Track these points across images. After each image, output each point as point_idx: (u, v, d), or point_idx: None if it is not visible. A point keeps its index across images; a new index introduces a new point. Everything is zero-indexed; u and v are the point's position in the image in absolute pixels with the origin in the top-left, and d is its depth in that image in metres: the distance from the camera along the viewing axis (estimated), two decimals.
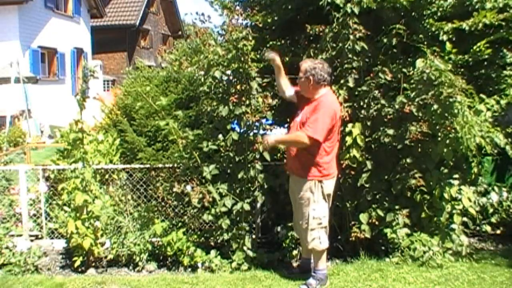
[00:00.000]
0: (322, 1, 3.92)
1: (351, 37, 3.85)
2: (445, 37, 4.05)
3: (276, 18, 4.34)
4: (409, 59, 4.10)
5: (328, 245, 3.72)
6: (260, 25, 4.45)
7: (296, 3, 4.30)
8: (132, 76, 5.55)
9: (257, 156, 4.00)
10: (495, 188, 4.75)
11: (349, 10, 3.82)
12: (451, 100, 3.66)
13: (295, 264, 4.18)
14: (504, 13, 4.01)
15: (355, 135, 3.94)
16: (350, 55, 3.92)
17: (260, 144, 3.92)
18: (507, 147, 4.04)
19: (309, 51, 4.14)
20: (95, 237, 4.08)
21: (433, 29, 4.09)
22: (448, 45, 3.97)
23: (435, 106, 3.73)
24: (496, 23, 4.00)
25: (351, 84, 3.95)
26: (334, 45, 3.96)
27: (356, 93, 4.02)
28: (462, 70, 4.10)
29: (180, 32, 27.68)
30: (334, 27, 3.90)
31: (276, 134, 3.72)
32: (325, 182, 3.62)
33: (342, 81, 4.00)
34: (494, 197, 4.65)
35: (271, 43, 4.47)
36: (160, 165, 4.56)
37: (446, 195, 3.90)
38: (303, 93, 3.71)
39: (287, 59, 4.24)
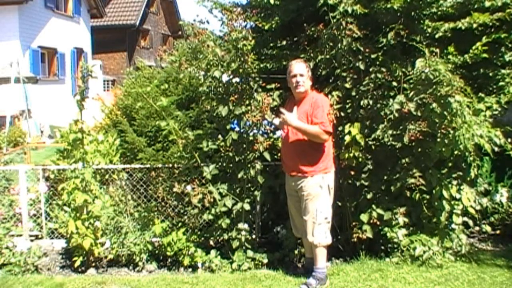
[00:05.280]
0: (320, 2, 3.92)
1: (347, 37, 3.85)
2: (440, 34, 4.06)
3: (278, 20, 4.34)
4: (407, 59, 4.09)
5: (331, 240, 3.76)
6: (261, 26, 4.45)
7: (297, 4, 4.30)
8: (132, 76, 5.55)
9: (257, 156, 4.01)
10: (495, 188, 4.76)
11: (341, 10, 3.82)
12: (449, 99, 3.66)
13: (296, 264, 4.19)
14: (498, 13, 4.02)
15: (354, 134, 3.95)
16: (346, 56, 3.92)
17: (260, 144, 3.92)
18: (508, 146, 4.04)
19: (308, 52, 4.14)
20: (95, 237, 4.09)
21: (429, 30, 4.10)
22: (450, 48, 3.99)
23: (434, 105, 3.74)
24: (491, 23, 4.03)
25: (348, 85, 3.96)
26: (332, 44, 3.96)
27: (354, 93, 4.02)
28: (462, 70, 4.10)
29: (180, 32, 27.69)
30: (330, 27, 3.91)
31: (298, 120, 3.68)
32: (329, 175, 3.75)
33: (339, 82, 4.01)
34: (493, 197, 4.66)
35: (271, 44, 4.46)
36: (160, 165, 4.56)
37: (445, 195, 3.90)
38: (299, 93, 3.77)
39: (284, 63, 4.24)
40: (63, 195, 4.31)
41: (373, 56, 4.01)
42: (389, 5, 3.89)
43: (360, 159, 4.00)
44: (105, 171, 4.66)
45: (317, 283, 3.65)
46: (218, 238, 4.21)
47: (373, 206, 4.05)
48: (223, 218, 4.03)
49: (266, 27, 4.33)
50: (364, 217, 4.05)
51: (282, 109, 3.72)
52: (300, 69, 3.74)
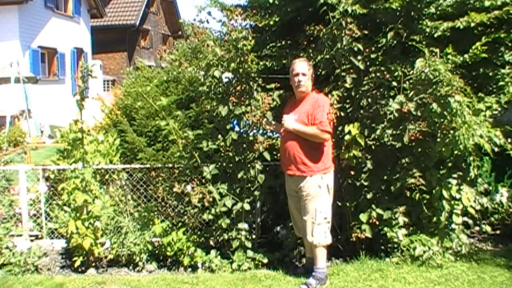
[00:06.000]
0: (320, 1, 3.92)
1: (347, 37, 3.85)
2: (439, 33, 4.06)
3: (276, 19, 4.34)
4: (407, 59, 4.09)
5: (331, 240, 3.76)
6: (261, 25, 4.45)
7: (296, 5, 4.30)
8: (132, 76, 5.55)
9: (257, 156, 4.01)
10: (495, 188, 4.76)
11: (341, 10, 3.82)
12: (449, 99, 3.66)
13: (296, 264, 4.19)
14: (495, 12, 4.02)
15: (354, 134, 3.95)
16: (346, 56, 3.93)
17: (260, 144, 3.92)
18: (508, 146, 4.04)
19: (308, 52, 4.15)
20: (95, 237, 4.09)
21: (428, 30, 4.10)
22: (449, 48, 3.99)
23: (434, 105, 3.74)
24: (489, 22, 4.03)
25: (348, 84, 3.96)
26: (332, 44, 3.96)
27: (353, 93, 4.02)
28: (462, 70, 4.10)
29: (180, 32, 27.69)
30: (330, 27, 3.91)
31: (295, 122, 3.71)
32: (329, 175, 3.75)
33: (339, 82, 4.01)
34: (493, 197, 4.66)
35: (271, 44, 4.46)
36: (160, 165, 4.56)
37: (445, 195, 3.90)
38: (301, 92, 3.78)
39: (284, 62, 4.24)
40: (63, 195, 4.31)
41: (373, 56, 4.01)
42: (388, 5, 3.89)
43: (360, 159, 4.00)
44: (105, 171, 4.66)
45: (317, 283, 3.65)
46: (218, 238, 4.21)
47: (373, 206, 4.05)
48: (223, 218, 4.03)
49: (266, 27, 4.32)
50: (363, 217, 4.05)
51: (273, 123, 3.87)
52: (302, 68, 3.74)
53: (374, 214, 4.01)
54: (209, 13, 4.18)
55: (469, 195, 3.97)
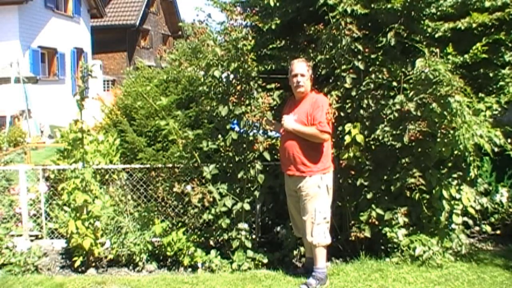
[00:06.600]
0: (320, 1, 3.92)
1: (346, 37, 3.85)
2: (440, 34, 4.06)
3: (277, 21, 4.34)
4: (407, 59, 4.09)
5: (330, 240, 3.76)
6: (260, 26, 4.45)
7: (296, 5, 4.30)
8: (132, 76, 5.55)
9: (257, 156, 4.01)
10: (495, 188, 4.76)
11: (341, 10, 3.82)
12: (449, 99, 3.67)
13: (296, 264, 4.19)
14: (497, 13, 4.03)
15: (354, 134, 3.95)
16: (346, 56, 3.93)
17: (260, 144, 3.93)
18: (508, 146, 4.04)
19: (308, 52, 4.15)
20: (95, 237, 4.09)
21: (429, 30, 4.10)
22: (450, 48, 3.99)
23: (434, 105, 3.74)
24: (491, 23, 4.04)
25: (348, 84, 3.96)
26: (332, 44, 3.96)
27: (353, 93, 4.02)
28: (462, 70, 4.10)
29: (180, 32, 27.66)
30: (330, 27, 3.91)
31: (295, 122, 3.72)
32: (328, 175, 3.75)
33: (339, 82, 4.01)
34: (493, 197, 4.66)
35: (271, 46, 4.46)
36: (160, 165, 4.56)
37: (445, 195, 3.90)
38: (300, 92, 3.79)
39: (283, 64, 4.24)
40: (63, 195, 4.31)
41: (373, 56, 4.01)
42: (389, 5, 3.89)
43: (360, 159, 4.00)
44: (105, 171, 4.66)
45: (317, 283, 3.65)
46: (218, 238, 4.21)
47: (373, 206, 4.05)
48: (223, 218, 4.03)
49: (266, 28, 4.32)
50: (363, 217, 4.05)
51: (273, 122, 3.89)
52: (301, 69, 3.74)
53: (374, 214, 4.01)
54: (209, 15, 4.18)
55: (469, 195, 3.97)
